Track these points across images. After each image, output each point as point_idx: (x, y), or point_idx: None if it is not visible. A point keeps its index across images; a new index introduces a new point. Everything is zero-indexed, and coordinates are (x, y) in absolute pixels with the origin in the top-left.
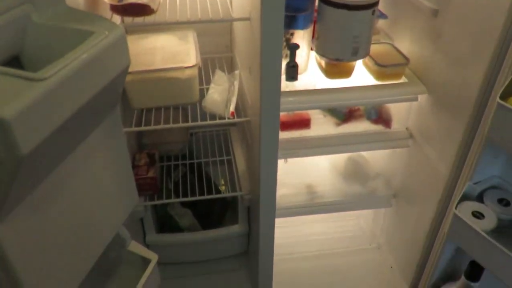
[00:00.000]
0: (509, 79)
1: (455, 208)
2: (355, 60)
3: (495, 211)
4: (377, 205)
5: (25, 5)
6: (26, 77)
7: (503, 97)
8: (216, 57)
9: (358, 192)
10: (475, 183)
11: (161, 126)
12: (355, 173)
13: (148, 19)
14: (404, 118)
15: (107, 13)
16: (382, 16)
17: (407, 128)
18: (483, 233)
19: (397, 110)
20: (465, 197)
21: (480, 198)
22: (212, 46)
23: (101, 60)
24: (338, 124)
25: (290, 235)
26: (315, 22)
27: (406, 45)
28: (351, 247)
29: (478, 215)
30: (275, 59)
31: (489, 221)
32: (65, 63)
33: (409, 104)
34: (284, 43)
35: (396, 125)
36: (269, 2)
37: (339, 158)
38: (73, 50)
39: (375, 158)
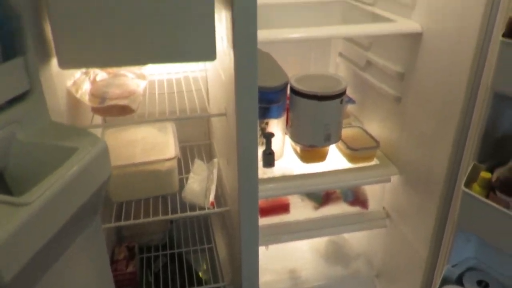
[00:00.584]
0: (471, 164)
1: None
2: (328, 145)
3: None
4: (361, 287)
5: (12, 125)
6: (11, 203)
7: (468, 182)
8: (195, 144)
9: (341, 274)
10: (453, 266)
11: (141, 220)
12: (336, 255)
13: (129, 117)
14: (379, 198)
15: (89, 114)
16: (350, 101)
17: (383, 208)
18: None
19: (373, 191)
20: (445, 281)
21: (459, 281)
22: (191, 134)
23: (85, 175)
24: (316, 208)
25: None
26: (288, 109)
27: (374, 127)
28: None
29: None
30: (251, 150)
31: None
32: (49, 185)
33: (383, 184)
34: (260, 132)
35: (372, 206)
36: (243, 99)
37: (320, 240)
38: (57, 169)
39: (355, 238)
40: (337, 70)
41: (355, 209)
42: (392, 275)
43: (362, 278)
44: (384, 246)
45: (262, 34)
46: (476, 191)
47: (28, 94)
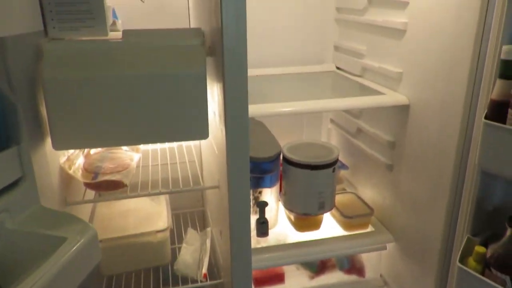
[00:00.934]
0: (465, 237)
1: None
2: (322, 213)
3: None
4: None
5: (1, 215)
6: None
7: (463, 256)
8: (189, 211)
9: None
10: None
11: None
12: None
13: (121, 191)
14: (376, 265)
15: (81, 187)
16: (343, 167)
17: (381, 275)
18: None
19: (369, 258)
20: None
21: None
22: (184, 201)
23: (73, 265)
24: (312, 277)
25: None
26: (281, 177)
27: (368, 193)
28: None
29: None
30: (244, 224)
31: None
32: (36, 279)
33: (379, 251)
34: (253, 202)
35: (369, 273)
36: (235, 173)
37: None
38: (45, 260)
39: None
40: (329, 135)
41: (352, 277)
42: None
43: None
44: None
45: (255, 109)
46: (471, 266)
47: (19, 181)
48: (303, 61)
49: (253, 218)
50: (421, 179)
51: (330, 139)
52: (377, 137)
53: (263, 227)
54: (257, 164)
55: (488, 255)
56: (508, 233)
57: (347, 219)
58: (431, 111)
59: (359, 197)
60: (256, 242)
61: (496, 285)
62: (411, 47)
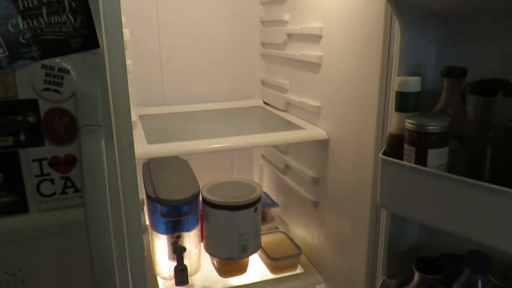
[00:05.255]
0: (381, 280)
1: None
2: (246, 257)
3: None
4: None
5: None
6: None
7: None
8: None
9: None
10: None
11: None
12: None
13: None
14: None
15: None
16: (274, 204)
17: None
18: None
19: None
20: None
21: None
22: None
23: None
24: None
25: None
26: (202, 219)
27: (299, 232)
28: None
29: None
30: None
31: None
32: None
33: None
34: (171, 247)
35: None
36: None
37: None
38: None
39: None
40: (261, 172)
41: None
42: None
43: None
44: None
45: (183, 146)
46: None
47: None
48: (231, 96)
49: (172, 264)
50: (343, 217)
51: (262, 176)
52: (303, 173)
53: (181, 275)
54: (174, 207)
55: None
56: (416, 277)
57: (274, 261)
58: (348, 146)
59: (288, 237)
60: None
61: None
62: (327, 81)
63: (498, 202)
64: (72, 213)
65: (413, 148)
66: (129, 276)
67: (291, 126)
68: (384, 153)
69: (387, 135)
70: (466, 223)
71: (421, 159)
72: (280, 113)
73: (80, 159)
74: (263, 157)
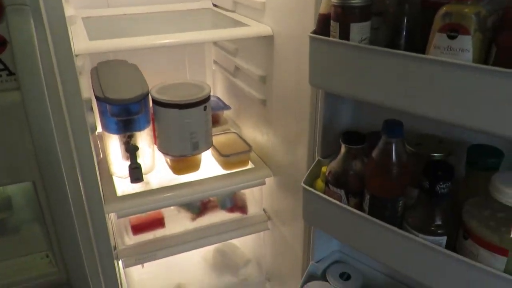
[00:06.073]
0: (316, 160)
1: None
2: (198, 154)
3: (337, 287)
4: None
5: None
6: None
7: (314, 178)
8: None
9: (230, 283)
10: (317, 262)
11: None
12: (226, 263)
13: None
14: (259, 201)
15: None
16: (226, 107)
17: (264, 211)
18: None
19: (252, 195)
20: (311, 277)
21: (325, 276)
22: None
23: None
24: (194, 219)
25: None
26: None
27: (249, 132)
28: None
29: None
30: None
31: None
32: None
33: (261, 187)
34: (124, 146)
35: (253, 210)
36: None
37: (210, 250)
38: None
39: (245, 244)
40: (214, 77)
41: (235, 215)
42: (281, 277)
43: (253, 284)
44: (271, 249)
45: (127, 42)
46: (319, 187)
47: None
48: None
49: (126, 164)
50: (289, 111)
51: (215, 81)
52: (251, 73)
53: (136, 172)
54: (123, 106)
55: (327, 173)
56: (342, 149)
57: (225, 157)
58: (291, 45)
59: (239, 136)
60: (131, 188)
61: (334, 200)
62: None
63: (410, 69)
64: (9, 95)
65: (337, 24)
66: (77, 165)
67: (238, 25)
68: (314, 33)
69: (317, 16)
70: (390, 92)
71: (344, 34)
72: (229, 14)
73: (10, 40)
74: (215, 62)
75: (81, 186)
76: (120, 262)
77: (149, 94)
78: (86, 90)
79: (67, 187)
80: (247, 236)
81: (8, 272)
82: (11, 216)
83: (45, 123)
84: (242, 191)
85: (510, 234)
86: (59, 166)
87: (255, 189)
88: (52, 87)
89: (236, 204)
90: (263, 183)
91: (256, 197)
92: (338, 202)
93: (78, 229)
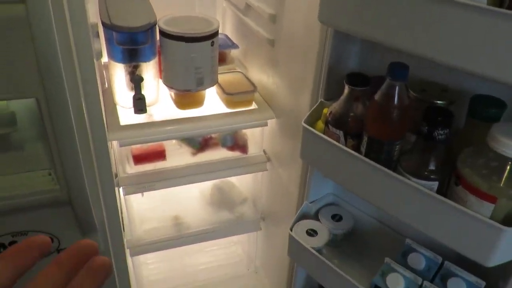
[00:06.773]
0: (319, 102)
1: (291, 228)
2: (202, 90)
3: (328, 227)
4: (246, 230)
5: None
6: None
7: (316, 119)
8: None
9: (226, 218)
10: (311, 202)
11: None
12: (223, 200)
13: None
14: (259, 142)
15: None
16: (234, 46)
17: (264, 152)
18: (310, 249)
19: (253, 135)
20: (303, 217)
21: (317, 216)
22: None
23: None
24: (194, 154)
25: (167, 269)
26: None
27: (255, 73)
28: (230, 273)
29: (311, 232)
30: None
31: (321, 238)
32: None
33: (262, 128)
34: (129, 76)
35: (253, 150)
36: None
37: (208, 187)
38: None
39: (242, 182)
40: (224, 14)
41: (235, 153)
42: (275, 217)
43: (248, 222)
44: (267, 189)
45: None
46: (319, 128)
47: None
48: None
49: (131, 94)
50: (297, 53)
51: (225, 18)
52: (261, 11)
53: (139, 103)
54: (129, 35)
55: (328, 113)
56: (345, 90)
57: (229, 95)
58: None
59: (245, 76)
60: (135, 119)
61: (332, 140)
62: None
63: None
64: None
65: None
66: (80, 89)
67: None
68: None
69: None
70: (395, 31)
71: None
72: None
73: None
74: None
75: (84, 111)
76: (120, 189)
77: (157, 25)
78: (93, 15)
79: (70, 103)
80: (245, 176)
81: (11, 186)
82: (15, 131)
83: (49, 38)
84: (244, 130)
85: (501, 183)
86: (61, 82)
87: (256, 129)
88: (57, 5)
89: (236, 143)
90: (265, 125)
91: (257, 138)
92: (335, 143)
93: (80, 153)
